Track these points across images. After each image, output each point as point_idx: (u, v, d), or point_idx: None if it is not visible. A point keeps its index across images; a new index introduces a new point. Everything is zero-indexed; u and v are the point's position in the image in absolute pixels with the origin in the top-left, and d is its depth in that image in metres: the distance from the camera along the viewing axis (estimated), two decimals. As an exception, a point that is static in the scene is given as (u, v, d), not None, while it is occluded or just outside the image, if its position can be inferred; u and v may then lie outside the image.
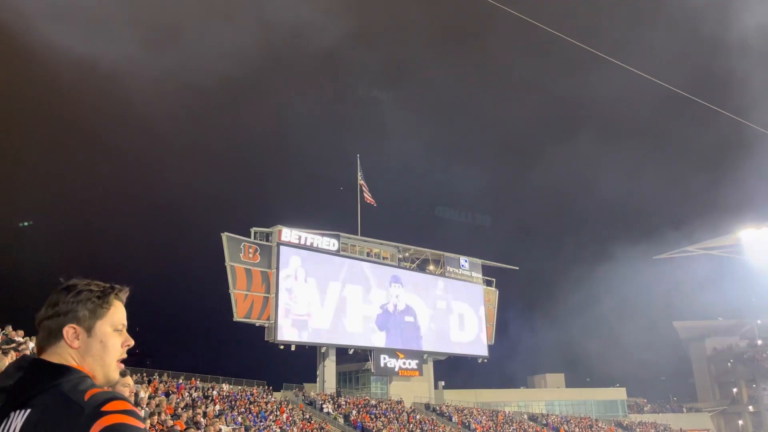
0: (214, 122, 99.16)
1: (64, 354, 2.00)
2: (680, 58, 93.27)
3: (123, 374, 4.54)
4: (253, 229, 52.28)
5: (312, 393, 52.50)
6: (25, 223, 72.53)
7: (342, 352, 57.06)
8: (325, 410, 48.61)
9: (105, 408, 1.80)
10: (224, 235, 49.07)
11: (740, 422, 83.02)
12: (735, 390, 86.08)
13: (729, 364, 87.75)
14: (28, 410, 1.85)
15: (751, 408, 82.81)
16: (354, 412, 49.70)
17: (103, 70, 75.41)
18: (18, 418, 1.84)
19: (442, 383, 67.03)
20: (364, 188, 61.04)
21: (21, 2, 63.44)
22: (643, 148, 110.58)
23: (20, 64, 69.27)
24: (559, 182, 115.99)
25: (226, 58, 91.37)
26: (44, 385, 1.90)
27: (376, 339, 58.52)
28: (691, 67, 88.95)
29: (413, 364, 59.88)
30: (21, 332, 23.24)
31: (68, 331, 2.01)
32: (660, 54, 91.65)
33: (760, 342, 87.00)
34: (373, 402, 54.08)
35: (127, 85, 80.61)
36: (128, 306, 2.18)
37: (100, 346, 2.05)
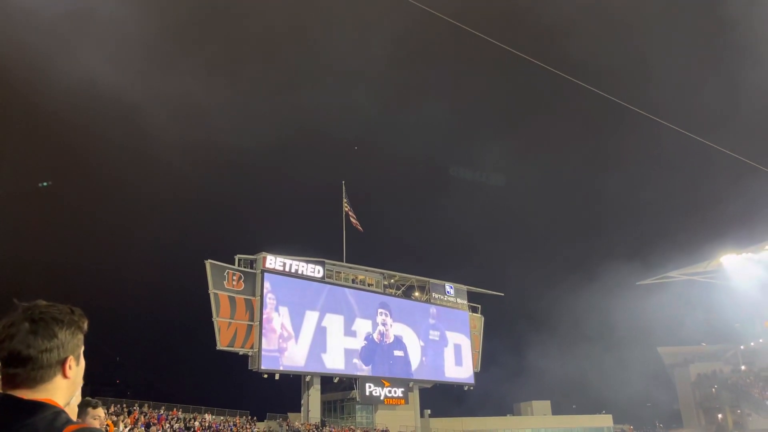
0: (199, 151, 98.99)
1: (57, 385, 2.00)
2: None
3: (95, 405, 4.40)
4: (237, 256, 51.85)
5: (296, 423, 51.64)
6: (45, 183, 69.99)
7: (327, 381, 56.24)
8: (309, 440, 47.81)
9: None
10: (208, 263, 48.60)
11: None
12: (720, 416, 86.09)
13: (713, 389, 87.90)
14: None
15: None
16: (339, 442, 48.92)
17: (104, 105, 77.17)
18: None
19: (428, 411, 66.26)
20: (350, 214, 60.95)
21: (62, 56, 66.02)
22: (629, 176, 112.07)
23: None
24: (539, 208, 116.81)
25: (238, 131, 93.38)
26: (18, 423, 1.86)
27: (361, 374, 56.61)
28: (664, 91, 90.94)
29: (399, 392, 59.13)
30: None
31: (69, 362, 2.03)
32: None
33: (743, 367, 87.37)
34: (359, 431, 53.29)
35: (120, 116, 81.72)
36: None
37: (80, 370, 2.11)
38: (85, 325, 2.11)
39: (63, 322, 2.02)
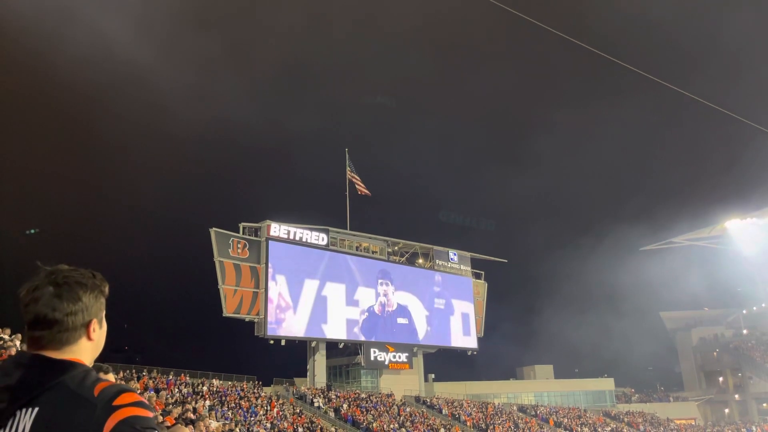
0: (205, 123, 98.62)
1: (82, 346, 2.04)
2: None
3: (106, 371, 4.42)
4: (241, 225, 51.95)
5: (302, 387, 52.47)
6: (32, 231, 69.98)
7: (332, 346, 56.89)
8: (315, 404, 48.64)
9: (116, 402, 1.85)
10: (213, 231, 48.79)
11: (726, 411, 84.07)
12: (721, 379, 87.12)
13: (715, 353, 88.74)
14: (36, 408, 1.84)
15: (736, 396, 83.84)
16: (345, 405, 49.78)
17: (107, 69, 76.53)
18: (26, 417, 1.83)
19: (432, 376, 67.28)
20: (355, 181, 60.73)
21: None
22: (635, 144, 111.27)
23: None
24: (544, 175, 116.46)
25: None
26: (49, 381, 1.89)
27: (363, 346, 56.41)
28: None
29: (403, 357, 59.83)
30: (8, 330, 23.03)
31: (93, 325, 2.06)
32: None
33: (745, 331, 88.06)
34: (364, 395, 54.15)
35: (131, 89, 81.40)
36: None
37: (103, 333, 2.14)
38: (107, 289, 2.13)
39: (86, 286, 2.03)
